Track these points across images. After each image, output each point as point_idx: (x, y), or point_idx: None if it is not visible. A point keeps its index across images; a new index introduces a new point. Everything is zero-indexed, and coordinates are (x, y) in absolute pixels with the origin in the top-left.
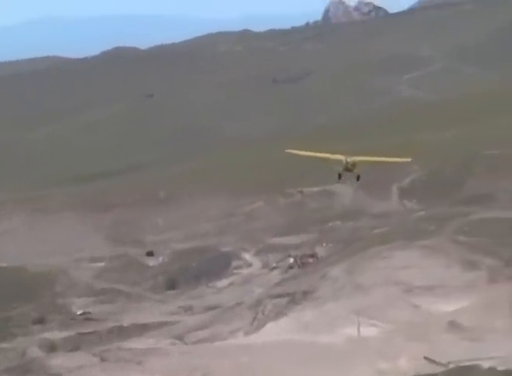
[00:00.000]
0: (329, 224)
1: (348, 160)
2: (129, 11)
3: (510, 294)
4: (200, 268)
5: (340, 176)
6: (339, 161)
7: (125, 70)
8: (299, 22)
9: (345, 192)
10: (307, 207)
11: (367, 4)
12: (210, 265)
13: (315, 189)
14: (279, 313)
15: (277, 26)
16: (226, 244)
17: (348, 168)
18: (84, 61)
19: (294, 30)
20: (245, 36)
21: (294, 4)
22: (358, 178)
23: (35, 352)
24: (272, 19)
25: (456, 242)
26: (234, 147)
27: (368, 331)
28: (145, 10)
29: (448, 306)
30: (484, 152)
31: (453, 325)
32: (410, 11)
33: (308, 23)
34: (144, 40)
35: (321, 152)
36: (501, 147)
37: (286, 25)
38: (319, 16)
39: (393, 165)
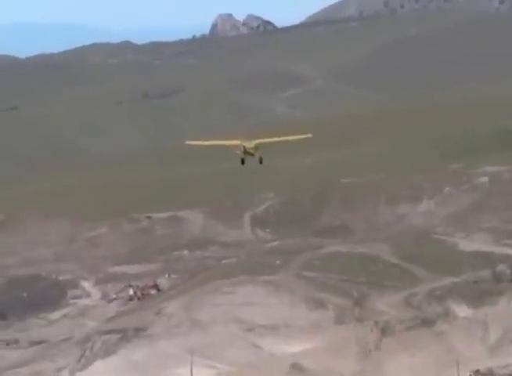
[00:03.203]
0: (176, 253)
1: (247, 144)
2: (24, 18)
3: (356, 336)
4: (33, 297)
5: (243, 161)
6: (238, 146)
7: None
8: (187, 35)
9: (196, 218)
10: (154, 235)
11: (256, 18)
12: (45, 295)
13: (165, 214)
14: (108, 351)
15: (163, 38)
16: (65, 271)
17: (249, 152)
18: None
19: (176, 44)
20: (123, 48)
21: (183, 17)
22: (260, 160)
23: None
24: (161, 31)
25: (304, 278)
26: (89, 167)
27: (203, 373)
28: (45, 18)
29: (291, 347)
30: (341, 180)
31: (296, 368)
32: (298, 26)
33: (194, 37)
34: (30, 48)
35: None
36: (357, 175)
37: (174, 38)
38: (207, 30)
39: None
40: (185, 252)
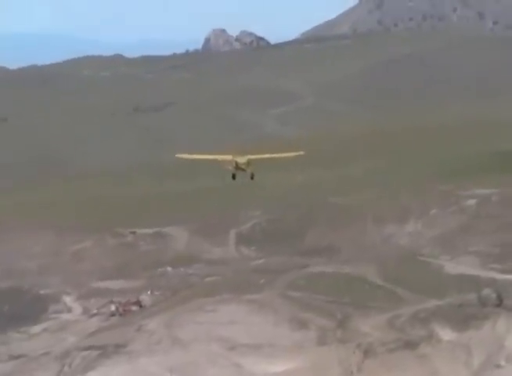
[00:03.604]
0: (160, 269)
1: (239, 160)
2: (15, 29)
3: (339, 357)
4: (14, 311)
5: (234, 176)
6: (229, 162)
7: None
8: (180, 49)
9: (181, 235)
10: (138, 250)
11: (249, 34)
12: (26, 309)
13: (150, 230)
14: (87, 367)
15: (157, 51)
16: (47, 285)
17: (241, 168)
18: None
19: (168, 58)
20: (115, 61)
21: (177, 31)
22: (252, 176)
23: None
24: (154, 44)
25: (288, 298)
26: (77, 180)
27: None
28: (35, 29)
29: (273, 367)
30: (330, 199)
31: None
32: (291, 43)
33: (187, 51)
34: (23, 59)
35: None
36: (346, 195)
37: (166, 51)
38: (200, 45)
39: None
40: (169, 269)
